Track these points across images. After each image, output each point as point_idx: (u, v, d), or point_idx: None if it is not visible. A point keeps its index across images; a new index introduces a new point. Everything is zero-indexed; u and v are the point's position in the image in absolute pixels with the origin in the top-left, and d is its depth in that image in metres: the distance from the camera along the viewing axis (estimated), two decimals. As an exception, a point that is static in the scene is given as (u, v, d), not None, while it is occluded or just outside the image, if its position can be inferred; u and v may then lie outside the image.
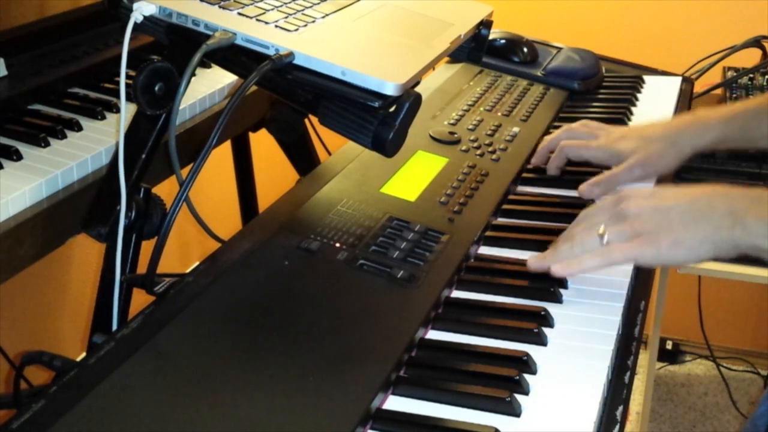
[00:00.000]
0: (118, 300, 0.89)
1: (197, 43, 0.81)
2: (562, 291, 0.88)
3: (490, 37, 1.15)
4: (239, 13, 0.89)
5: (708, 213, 0.82)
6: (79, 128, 1.07)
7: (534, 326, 0.81)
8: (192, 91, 1.19)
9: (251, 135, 1.65)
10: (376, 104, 0.81)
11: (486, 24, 1.12)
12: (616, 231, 0.85)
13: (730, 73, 1.76)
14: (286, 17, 0.91)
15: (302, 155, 1.60)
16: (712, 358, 2.39)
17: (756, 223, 0.79)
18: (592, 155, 1.13)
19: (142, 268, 0.83)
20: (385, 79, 0.80)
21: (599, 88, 1.49)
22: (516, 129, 1.25)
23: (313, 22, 0.92)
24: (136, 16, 0.85)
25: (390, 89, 0.80)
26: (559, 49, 1.56)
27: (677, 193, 0.86)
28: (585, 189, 1.06)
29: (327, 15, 0.95)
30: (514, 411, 0.71)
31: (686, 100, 1.50)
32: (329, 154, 1.28)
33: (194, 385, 0.68)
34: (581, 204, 1.06)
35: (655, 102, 1.47)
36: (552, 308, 0.85)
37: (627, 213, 0.85)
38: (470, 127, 1.23)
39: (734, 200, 0.82)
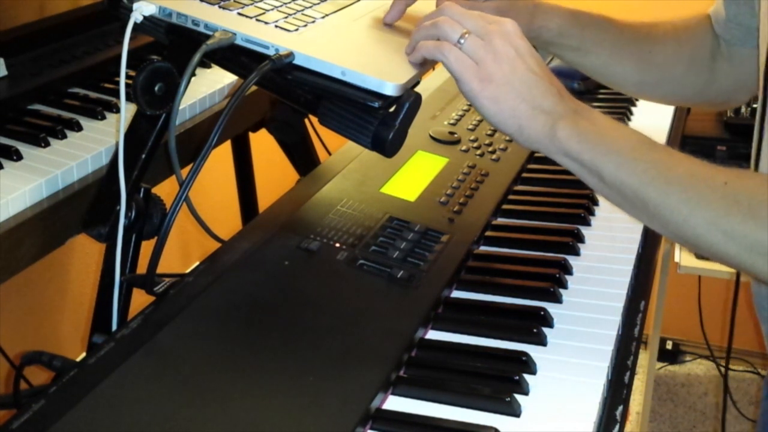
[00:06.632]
0: (118, 300, 0.89)
1: (197, 43, 0.81)
2: (562, 291, 0.88)
3: (490, 37, 1.14)
4: (239, 13, 0.89)
5: (538, 100, 0.79)
6: (79, 128, 1.07)
7: (534, 326, 0.81)
8: (192, 91, 1.19)
9: (251, 135, 1.65)
10: (376, 104, 0.81)
11: (486, 24, 1.12)
12: (473, 45, 0.80)
13: (730, 73, 1.75)
14: (286, 17, 0.91)
15: (302, 155, 1.60)
16: (712, 358, 2.39)
17: (563, 133, 0.77)
18: None
19: (142, 268, 0.83)
20: (385, 79, 0.80)
21: (599, 87, 1.49)
22: (516, 129, 1.25)
23: (313, 22, 0.92)
24: (136, 16, 0.85)
25: (390, 89, 0.80)
26: (559, 49, 1.55)
27: (543, 71, 0.80)
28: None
29: (327, 15, 0.95)
30: (514, 411, 0.71)
31: (686, 100, 1.50)
32: (329, 154, 1.28)
33: (194, 385, 0.68)
34: (581, 204, 1.06)
35: (655, 102, 1.46)
36: (552, 308, 0.85)
37: (493, 42, 0.79)
38: (470, 127, 1.23)
39: (560, 104, 0.79)
